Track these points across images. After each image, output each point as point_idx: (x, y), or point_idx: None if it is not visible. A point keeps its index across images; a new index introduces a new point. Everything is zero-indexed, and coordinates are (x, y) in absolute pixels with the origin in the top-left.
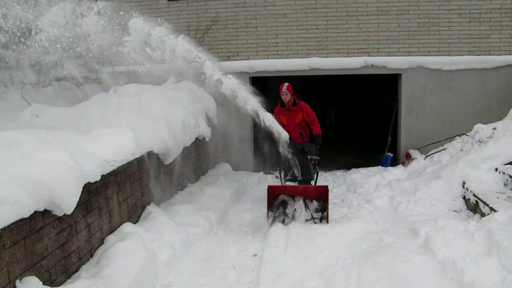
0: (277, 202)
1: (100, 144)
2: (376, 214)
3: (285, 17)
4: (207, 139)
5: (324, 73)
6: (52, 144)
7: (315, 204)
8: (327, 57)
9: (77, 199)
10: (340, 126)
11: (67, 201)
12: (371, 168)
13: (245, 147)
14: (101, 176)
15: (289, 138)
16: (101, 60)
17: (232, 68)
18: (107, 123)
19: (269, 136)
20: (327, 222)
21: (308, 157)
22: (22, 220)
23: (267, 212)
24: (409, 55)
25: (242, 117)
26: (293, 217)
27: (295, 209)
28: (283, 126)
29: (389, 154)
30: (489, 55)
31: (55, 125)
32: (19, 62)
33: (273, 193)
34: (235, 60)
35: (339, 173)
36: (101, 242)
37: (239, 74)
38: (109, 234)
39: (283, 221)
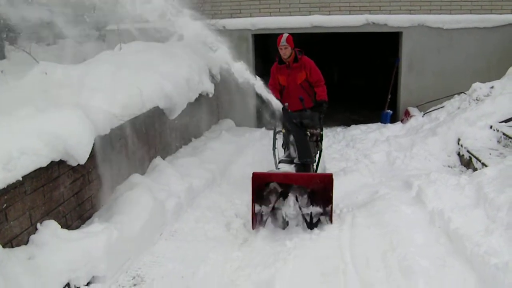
0: (266, 192)
1: (108, 100)
2: (373, 168)
3: None
4: (210, 95)
5: (326, 31)
6: (63, 100)
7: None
8: (329, 14)
9: (90, 149)
10: (342, 84)
11: (80, 152)
12: (370, 125)
13: (247, 103)
14: (110, 129)
15: (284, 107)
16: (105, 18)
17: (234, 26)
18: (114, 79)
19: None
20: (331, 221)
21: (309, 132)
22: (40, 169)
23: (252, 206)
24: (410, 14)
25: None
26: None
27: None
28: (282, 88)
29: (389, 111)
30: (490, 13)
31: (64, 82)
32: (24, 20)
33: (260, 183)
34: (237, 17)
35: (339, 129)
36: (112, 191)
37: (242, 32)
38: (119, 184)
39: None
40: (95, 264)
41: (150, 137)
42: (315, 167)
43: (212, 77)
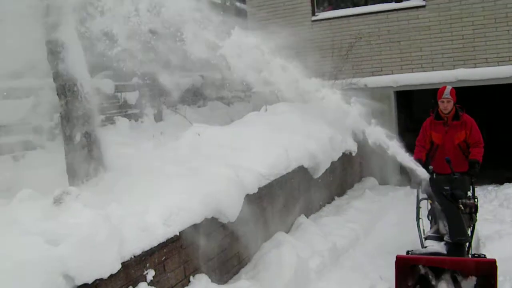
0: (412, 280)
1: (256, 160)
2: None
3: (429, 29)
4: (353, 154)
5: (472, 84)
6: (215, 160)
7: (471, 283)
8: (475, 67)
9: (240, 208)
10: (490, 140)
11: (231, 210)
12: None
13: (390, 161)
14: (258, 188)
15: (432, 177)
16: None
17: (376, 83)
18: (260, 140)
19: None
20: None
21: (460, 205)
22: (195, 225)
23: None
24: None
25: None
26: None
27: None
28: (435, 147)
29: None
30: None
31: (214, 142)
32: (179, 85)
33: (405, 266)
34: (379, 75)
35: (490, 187)
36: (258, 248)
37: (384, 89)
38: (265, 241)
39: None
40: None
41: (295, 195)
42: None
43: (355, 135)
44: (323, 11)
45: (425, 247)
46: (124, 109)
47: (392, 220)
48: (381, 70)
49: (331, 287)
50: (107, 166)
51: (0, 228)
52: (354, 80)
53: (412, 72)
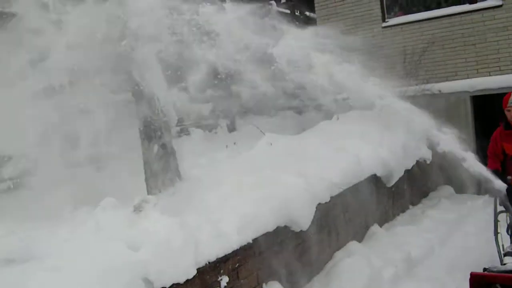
0: None
1: (328, 168)
2: None
3: (506, 30)
4: (428, 162)
5: None
6: (286, 169)
7: None
8: None
9: (312, 217)
10: None
11: (303, 219)
12: None
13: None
14: (330, 197)
15: (509, 187)
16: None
17: (451, 88)
18: (332, 149)
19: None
20: None
21: None
22: (267, 233)
23: None
24: None
25: (463, 138)
26: None
27: None
28: (510, 158)
29: None
30: None
31: (285, 151)
32: (252, 96)
33: (480, 285)
34: (453, 80)
35: None
36: (330, 257)
37: (459, 94)
38: (337, 250)
39: None
40: None
41: (367, 204)
42: None
43: (430, 143)
44: (393, 16)
45: (504, 264)
46: (198, 120)
47: (470, 230)
48: (456, 75)
49: None
50: (182, 176)
51: (86, 234)
52: (428, 86)
53: (490, 75)
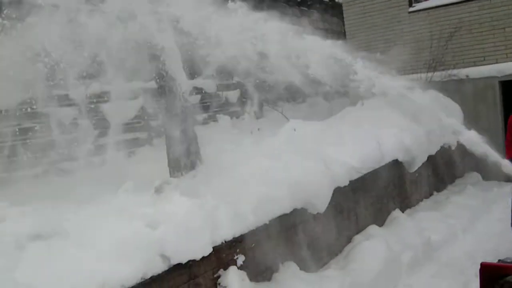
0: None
1: (349, 154)
2: None
3: None
4: (453, 148)
5: None
6: (307, 154)
7: None
8: None
9: (328, 200)
10: None
11: (320, 201)
12: None
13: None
14: (349, 181)
15: None
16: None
17: (479, 73)
18: (354, 134)
19: None
20: None
21: None
22: (285, 214)
23: None
24: None
25: (491, 123)
26: None
27: None
28: None
29: None
30: None
31: (309, 137)
32: (279, 82)
33: (491, 276)
34: (481, 65)
35: None
36: (349, 240)
37: (487, 79)
38: (356, 234)
39: None
40: None
41: (389, 189)
42: None
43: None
44: (420, 1)
45: None
46: (226, 107)
47: (494, 217)
48: (484, 60)
49: (422, 281)
50: (204, 160)
51: (109, 214)
52: (455, 71)
53: None
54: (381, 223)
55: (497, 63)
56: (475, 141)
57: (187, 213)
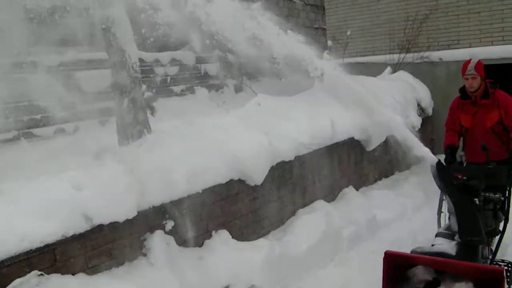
0: (406, 278)
1: (299, 129)
2: None
3: None
4: (416, 129)
5: None
6: (256, 128)
7: None
8: None
9: (266, 172)
10: None
11: (256, 174)
12: None
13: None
14: (296, 156)
15: (438, 162)
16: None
17: (452, 57)
18: (310, 111)
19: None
20: None
21: (482, 197)
22: (220, 185)
23: None
24: None
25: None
26: None
27: None
28: (465, 131)
29: None
30: None
31: (270, 112)
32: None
33: (396, 266)
34: (455, 48)
35: None
36: (293, 213)
37: (460, 63)
38: (302, 208)
39: None
40: (254, 274)
41: (343, 167)
42: (494, 247)
43: (422, 110)
44: None
45: (433, 245)
46: (204, 79)
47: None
48: (458, 43)
49: (361, 256)
50: (152, 130)
51: (39, 177)
52: (427, 53)
53: (492, 45)
54: (331, 199)
55: (470, 47)
56: (396, 126)
57: (112, 178)
